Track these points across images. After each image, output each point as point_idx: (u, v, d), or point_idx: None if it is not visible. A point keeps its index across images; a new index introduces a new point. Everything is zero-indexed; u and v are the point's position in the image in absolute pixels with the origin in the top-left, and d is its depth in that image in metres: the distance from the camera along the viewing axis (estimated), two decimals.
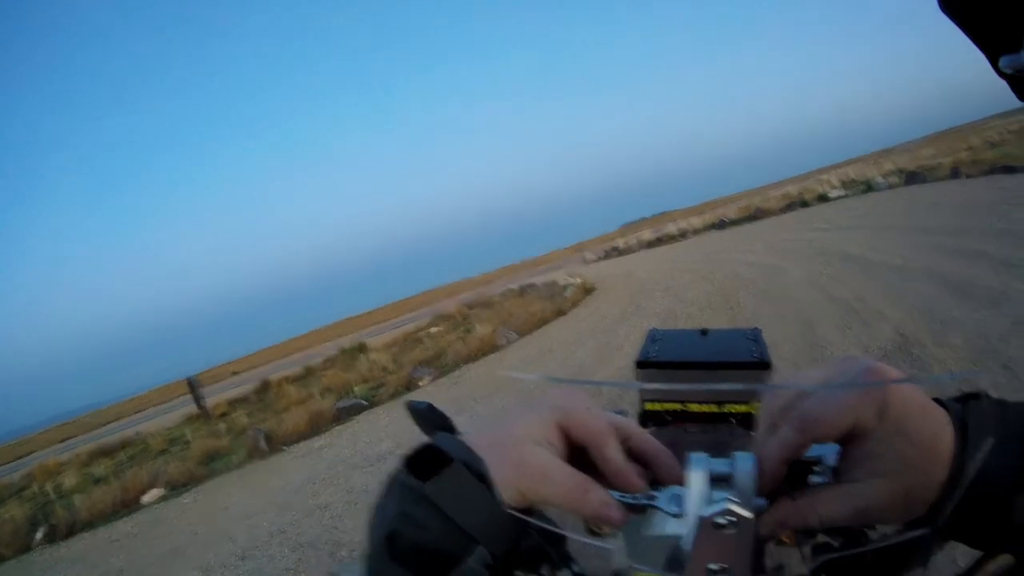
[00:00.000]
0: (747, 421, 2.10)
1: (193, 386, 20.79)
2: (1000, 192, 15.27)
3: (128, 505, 10.85)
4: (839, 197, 27.52)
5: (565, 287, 20.70)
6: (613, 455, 0.65)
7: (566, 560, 1.13)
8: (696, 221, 33.45)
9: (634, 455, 0.67)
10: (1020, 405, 0.62)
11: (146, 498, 10.87)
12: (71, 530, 10.50)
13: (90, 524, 10.43)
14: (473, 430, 0.68)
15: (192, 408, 20.90)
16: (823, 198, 28.46)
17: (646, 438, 0.68)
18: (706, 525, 0.58)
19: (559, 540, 1.15)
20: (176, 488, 11.09)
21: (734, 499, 0.58)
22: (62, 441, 38.78)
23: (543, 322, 15.73)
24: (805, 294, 9.64)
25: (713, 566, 0.59)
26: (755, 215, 29.54)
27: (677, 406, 2.14)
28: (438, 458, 0.62)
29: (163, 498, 10.74)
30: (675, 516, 0.61)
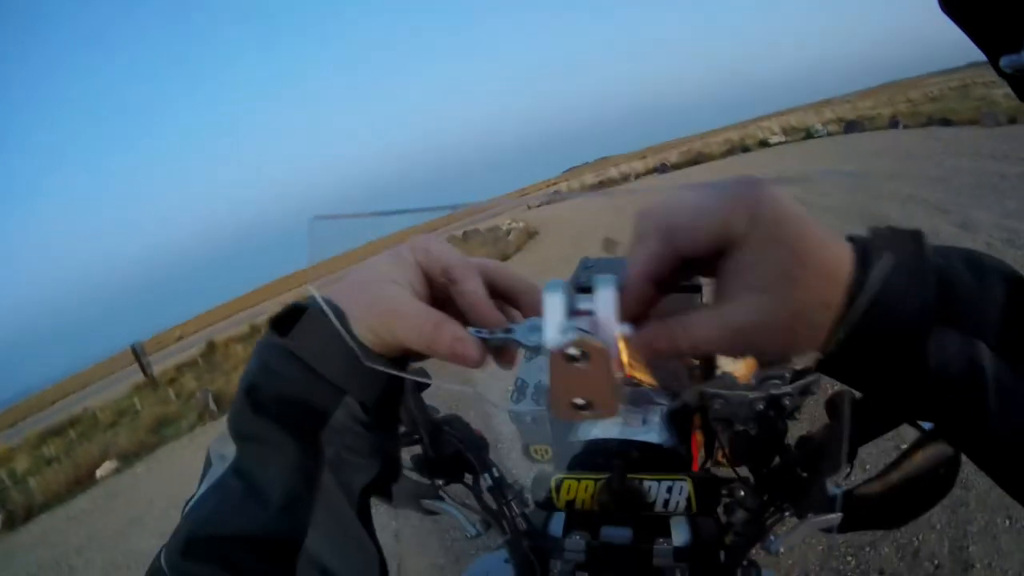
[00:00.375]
0: None
1: (138, 354, 20.53)
2: (935, 142, 15.70)
3: (82, 482, 10.81)
4: (779, 143, 28.07)
5: (508, 231, 20.79)
6: (471, 288, 0.60)
7: (487, 466, 1.21)
8: (638, 165, 33.88)
9: (499, 293, 0.62)
10: (943, 247, 0.55)
11: (100, 472, 10.84)
12: (29, 513, 10.44)
13: (47, 505, 10.39)
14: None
15: (139, 377, 20.69)
16: (764, 144, 29.07)
17: (509, 273, 0.64)
18: (557, 358, 0.53)
19: (481, 446, 1.22)
20: (129, 459, 11.09)
21: (584, 328, 0.54)
22: (11, 426, 38.08)
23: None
24: None
25: (577, 400, 0.55)
26: (696, 160, 30.26)
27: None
28: (297, 311, 0.60)
29: (117, 471, 10.74)
30: (533, 348, 0.57)
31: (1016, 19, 0.65)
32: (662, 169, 30.42)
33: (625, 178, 31.78)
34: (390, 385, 0.61)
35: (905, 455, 0.94)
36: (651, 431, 1.27)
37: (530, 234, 19.45)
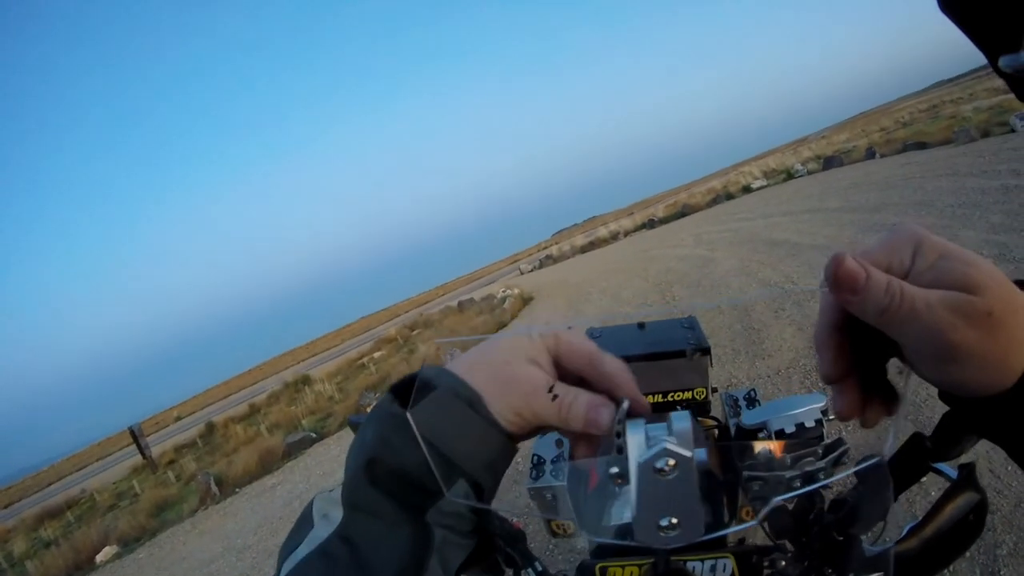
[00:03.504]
0: (693, 406, 2.34)
1: (136, 435, 20.46)
2: (914, 167, 15.95)
3: (82, 567, 10.75)
4: (762, 187, 28.27)
5: (503, 299, 20.86)
6: (609, 370, 0.65)
7: (529, 559, 1.26)
8: (627, 222, 33.94)
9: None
10: None
11: (100, 557, 10.75)
12: None
13: None
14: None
15: (137, 458, 20.58)
16: (747, 189, 29.26)
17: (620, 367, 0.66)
18: (646, 470, 0.58)
19: (519, 538, 1.29)
20: (129, 544, 11.01)
21: (670, 439, 0.59)
22: (5, 507, 37.64)
23: (486, 335, 15.72)
24: (737, 281, 10.03)
25: (663, 522, 0.60)
26: (683, 211, 30.29)
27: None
28: (423, 385, 0.62)
29: (117, 555, 10.66)
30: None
31: (1015, 19, 0.67)
32: (650, 224, 30.62)
33: (615, 236, 31.87)
34: (505, 461, 0.64)
35: (937, 507, 0.96)
36: (705, 524, 1.35)
37: (525, 300, 19.49)
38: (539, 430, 0.67)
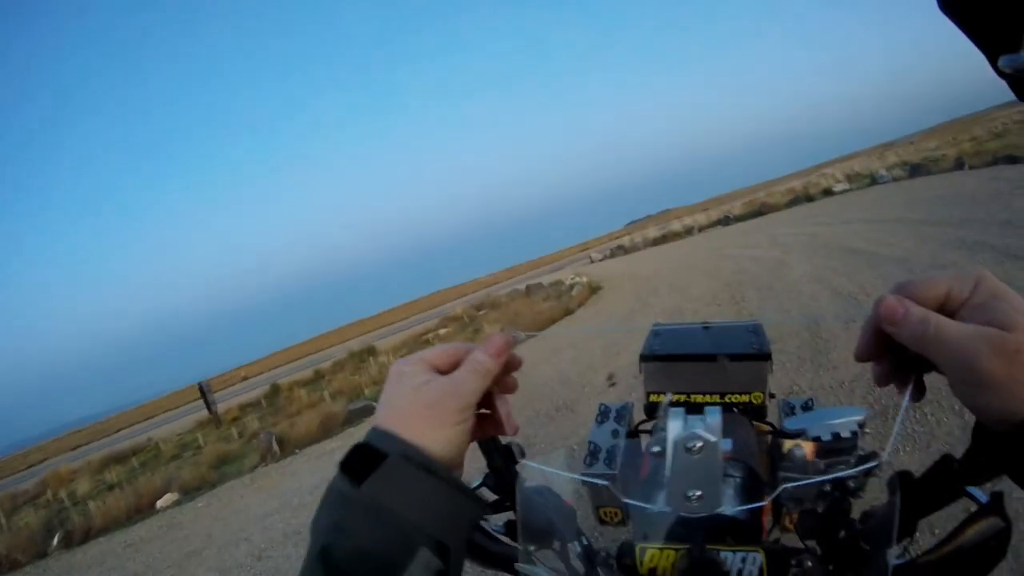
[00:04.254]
0: (749, 410, 2.31)
1: (204, 391, 21.11)
2: (1002, 183, 15.32)
3: (142, 510, 11.15)
4: (844, 191, 27.48)
5: (571, 286, 20.86)
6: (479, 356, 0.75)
7: (576, 533, 1.32)
8: (701, 218, 33.47)
9: None
10: None
11: (160, 503, 11.16)
12: (87, 536, 10.80)
13: (105, 529, 10.73)
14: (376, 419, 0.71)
15: (203, 413, 21.24)
16: (828, 192, 28.47)
17: None
18: (678, 448, 0.75)
19: (570, 515, 1.33)
20: (189, 493, 11.40)
21: (701, 425, 0.76)
22: (73, 449, 39.25)
23: (551, 321, 15.90)
24: (809, 288, 9.75)
25: (689, 493, 0.75)
26: (760, 211, 29.45)
27: (681, 397, 2.34)
28: (372, 455, 0.65)
29: (177, 503, 11.05)
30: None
31: (1015, 19, 0.68)
32: (725, 221, 30.02)
33: (688, 231, 31.42)
34: (473, 515, 0.70)
35: (960, 528, 0.97)
36: (727, 504, 1.37)
37: (593, 289, 19.41)
38: (481, 431, 0.81)
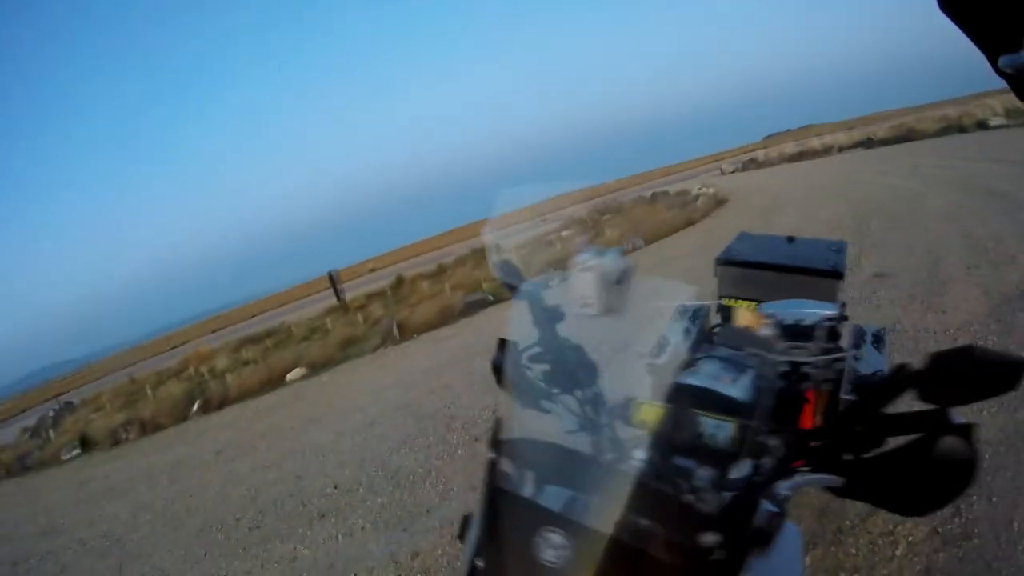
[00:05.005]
0: None
1: (334, 280, 22.22)
2: None
3: (273, 383, 12.25)
4: (1000, 126, 24.83)
5: (696, 197, 20.53)
6: None
7: (591, 385, 1.62)
8: (842, 137, 31.41)
9: None
10: None
11: (290, 376, 12.24)
12: (223, 403, 11.98)
13: (239, 399, 11.88)
14: None
15: (332, 301, 22.41)
16: (982, 125, 25.48)
17: None
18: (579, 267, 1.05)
19: (593, 372, 1.63)
20: (316, 369, 12.39)
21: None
22: (213, 332, 42.02)
23: (672, 230, 15.93)
24: (940, 227, 9.24)
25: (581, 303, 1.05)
26: (906, 136, 26.78)
27: (752, 304, 2.54)
28: None
29: (304, 376, 12.11)
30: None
31: (1015, 19, 0.68)
32: (867, 144, 28.10)
33: (827, 150, 29.71)
34: None
35: (923, 441, 1.09)
36: (733, 387, 1.62)
37: (719, 201, 19.05)
38: None
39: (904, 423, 1.11)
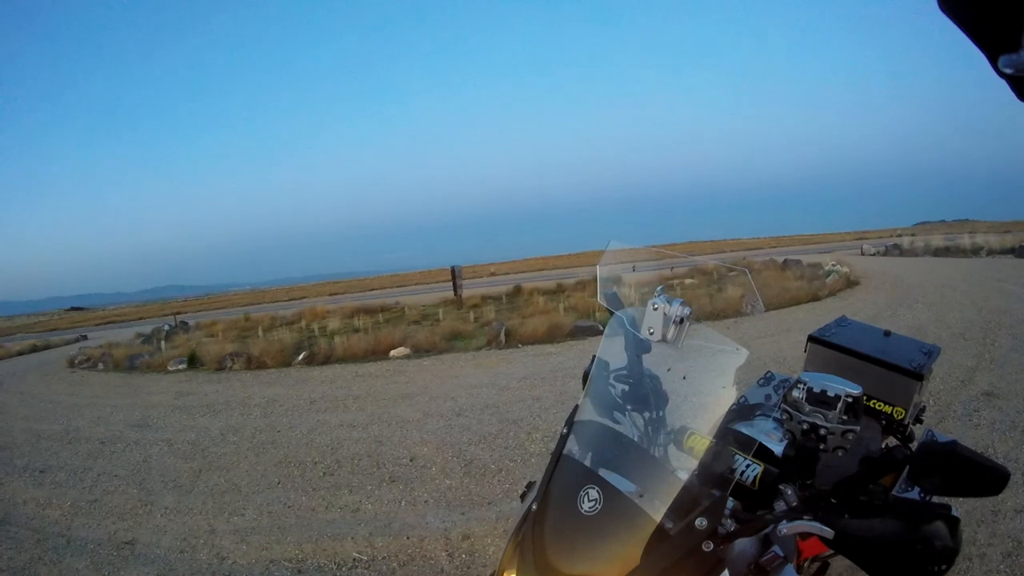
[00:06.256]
0: (889, 421, 2.65)
1: (455, 274, 22.83)
2: None
3: (377, 355, 12.83)
4: None
5: (828, 273, 20.02)
6: None
7: (659, 407, 1.90)
8: (994, 240, 29.41)
9: None
10: None
11: (393, 352, 12.77)
12: (326, 360, 12.62)
13: (342, 360, 12.50)
14: None
15: (449, 294, 23.07)
16: None
17: None
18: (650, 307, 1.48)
19: (663, 398, 1.90)
20: (420, 352, 12.88)
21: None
22: (331, 295, 43.56)
23: (794, 302, 15.73)
24: None
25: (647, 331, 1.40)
26: None
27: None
28: None
29: (407, 356, 12.60)
30: None
31: (1015, 19, 0.69)
32: (1020, 252, 25.00)
33: (976, 250, 26.77)
34: None
35: (912, 520, 1.30)
36: (773, 443, 1.82)
37: (850, 282, 18.40)
38: None
39: (900, 501, 1.34)
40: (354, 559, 4.26)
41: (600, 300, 1.89)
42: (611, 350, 1.88)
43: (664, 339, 1.67)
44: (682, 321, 1.66)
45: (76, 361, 15.72)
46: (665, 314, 1.66)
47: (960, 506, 4.25)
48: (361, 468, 5.99)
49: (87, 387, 12.15)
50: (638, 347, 1.83)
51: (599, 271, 1.87)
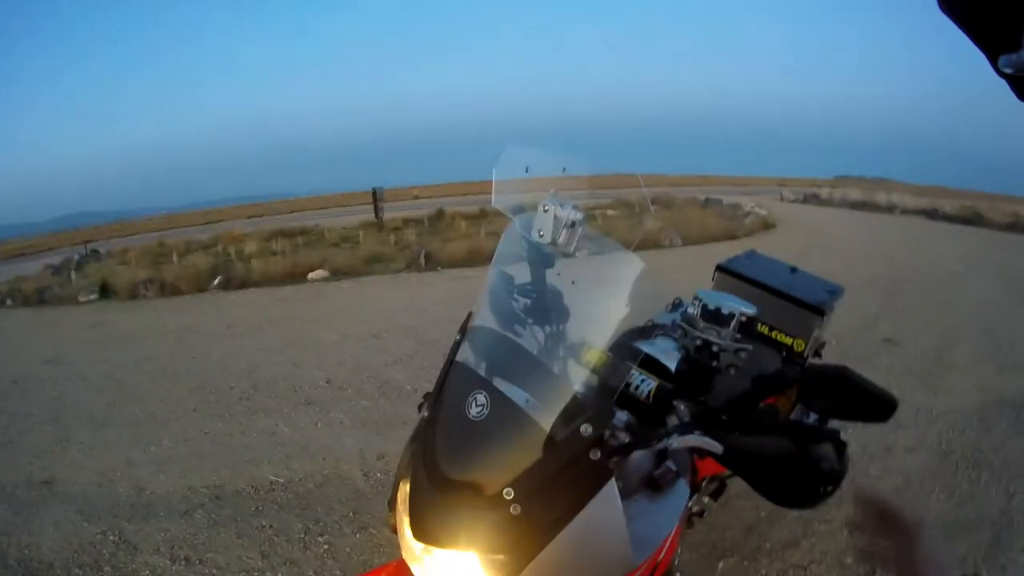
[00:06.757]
0: (788, 351, 2.79)
1: (376, 197, 22.54)
2: None
3: (295, 278, 12.71)
4: None
5: (747, 214, 20.37)
6: None
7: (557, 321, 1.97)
8: (909, 201, 29.86)
9: None
10: None
11: (312, 275, 12.70)
12: (243, 284, 12.47)
13: (259, 284, 12.37)
14: None
15: (370, 217, 22.76)
16: None
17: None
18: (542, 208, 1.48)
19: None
20: (338, 275, 12.84)
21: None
22: (249, 218, 42.56)
23: (712, 239, 16.04)
24: (967, 314, 8.95)
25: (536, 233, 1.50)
26: (971, 219, 24.08)
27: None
28: None
29: (325, 279, 12.57)
30: None
31: (1015, 19, 0.68)
32: (932, 214, 24.31)
33: (891, 208, 27.16)
34: None
35: (799, 442, 1.37)
36: (670, 360, 1.88)
37: (767, 225, 18.74)
38: None
39: (791, 423, 1.42)
40: (271, 482, 4.35)
41: (495, 204, 1.84)
42: (512, 262, 1.89)
43: (554, 242, 1.65)
44: (573, 225, 1.63)
45: None
46: (556, 216, 1.61)
47: (855, 442, 4.55)
48: (277, 392, 6.04)
49: None
50: (541, 261, 1.85)
51: (494, 175, 1.77)
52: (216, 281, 12.71)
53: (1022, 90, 0.79)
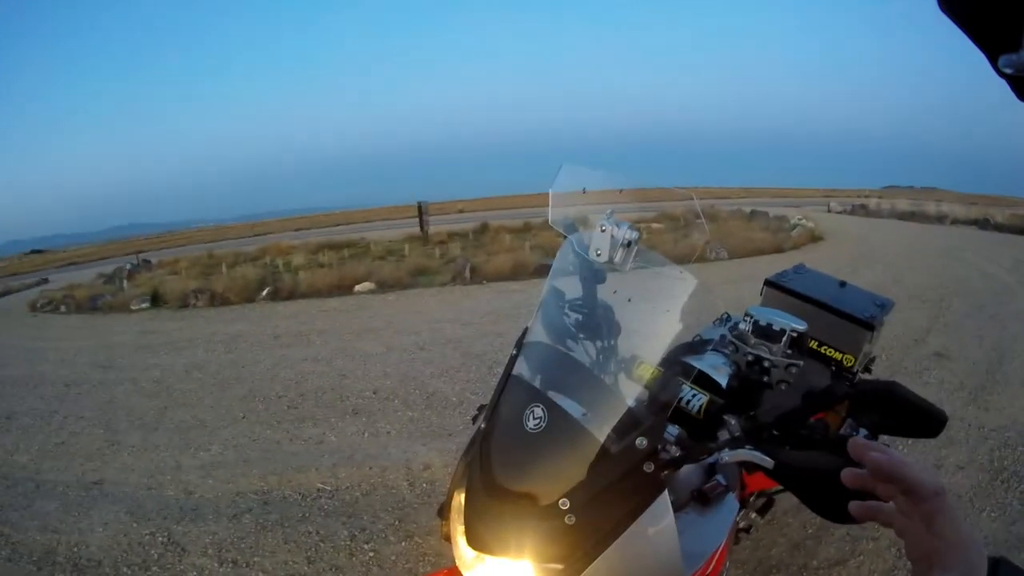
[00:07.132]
0: (838, 367, 2.76)
1: (421, 210, 22.77)
2: None
3: (342, 290, 12.88)
4: None
5: (794, 226, 20.04)
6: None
7: (610, 336, 1.97)
8: (959, 210, 29.04)
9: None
10: None
11: (358, 288, 12.84)
12: (290, 295, 12.67)
13: (306, 295, 12.56)
14: None
15: (415, 230, 22.98)
16: None
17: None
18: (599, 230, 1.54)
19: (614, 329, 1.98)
20: (384, 287, 12.96)
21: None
22: (296, 230, 43.22)
23: (758, 252, 15.87)
24: (1020, 328, 8.45)
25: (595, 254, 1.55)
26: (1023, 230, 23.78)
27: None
28: None
29: (371, 291, 12.70)
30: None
31: (1015, 18, 0.67)
32: (982, 224, 23.41)
33: (940, 218, 26.26)
34: None
35: (846, 458, 1.35)
36: (720, 376, 1.90)
37: (814, 238, 18.42)
38: None
39: (840, 437, 1.41)
40: (318, 489, 4.40)
41: (552, 223, 1.89)
42: (565, 277, 1.90)
43: (611, 261, 1.67)
44: (629, 244, 1.66)
45: (38, 305, 15.57)
46: (612, 236, 1.64)
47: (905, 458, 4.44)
48: (325, 401, 6.12)
49: (50, 330, 12.05)
50: (593, 277, 1.86)
51: (551, 194, 1.83)
52: (264, 292, 12.93)
53: (1022, 90, 0.76)
